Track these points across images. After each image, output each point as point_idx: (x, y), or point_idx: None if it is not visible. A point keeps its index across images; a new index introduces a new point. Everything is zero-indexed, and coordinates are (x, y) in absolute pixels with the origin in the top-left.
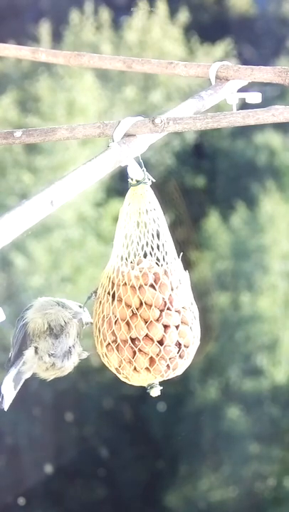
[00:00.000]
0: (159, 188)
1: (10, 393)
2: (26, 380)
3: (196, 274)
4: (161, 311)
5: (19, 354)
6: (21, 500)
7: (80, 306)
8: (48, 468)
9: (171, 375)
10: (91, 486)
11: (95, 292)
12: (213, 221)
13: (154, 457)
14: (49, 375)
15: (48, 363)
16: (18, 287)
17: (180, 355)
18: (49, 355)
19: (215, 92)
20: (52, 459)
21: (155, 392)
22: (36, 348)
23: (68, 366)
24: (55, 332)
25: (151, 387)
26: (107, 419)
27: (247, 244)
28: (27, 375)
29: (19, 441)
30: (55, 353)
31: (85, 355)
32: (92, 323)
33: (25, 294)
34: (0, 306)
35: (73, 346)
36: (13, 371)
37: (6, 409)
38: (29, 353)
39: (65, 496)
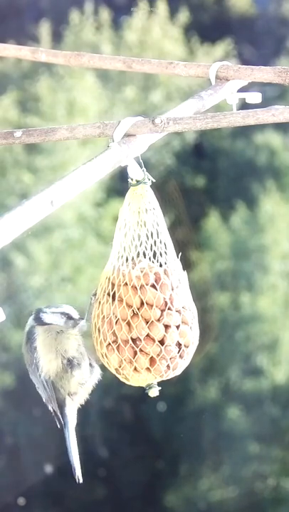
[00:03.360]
0: (159, 188)
1: (78, 461)
2: (26, 380)
3: (196, 274)
4: (162, 310)
5: (63, 414)
6: (21, 500)
7: (67, 315)
8: (48, 468)
9: (171, 375)
10: (91, 486)
11: (95, 294)
12: (213, 221)
13: (154, 457)
14: (84, 399)
15: (84, 392)
16: (18, 287)
17: (180, 355)
18: (81, 385)
19: (215, 92)
20: (52, 459)
21: (154, 392)
22: (69, 392)
23: (94, 378)
24: (75, 362)
25: (150, 388)
26: (107, 419)
27: (247, 244)
28: (75, 422)
29: (19, 441)
30: (85, 381)
31: (100, 361)
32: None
33: (25, 294)
34: (0, 306)
35: (90, 359)
36: (72, 440)
37: (81, 480)
38: (69, 406)
39: (65, 496)
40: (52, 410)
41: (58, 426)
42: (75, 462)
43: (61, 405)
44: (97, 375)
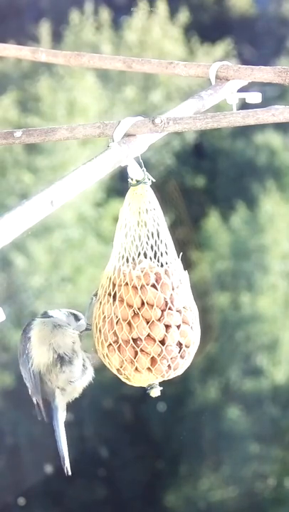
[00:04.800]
0: (159, 188)
1: (66, 449)
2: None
3: (196, 274)
4: (163, 310)
5: (52, 406)
6: (21, 500)
7: (73, 314)
8: (48, 468)
9: (172, 375)
10: (91, 486)
11: (96, 295)
12: (213, 221)
13: (154, 457)
14: (73, 398)
15: (72, 390)
16: (18, 287)
17: (181, 355)
18: (70, 382)
19: (215, 92)
20: (52, 459)
21: (155, 392)
22: (57, 386)
23: (86, 380)
24: (68, 358)
25: (151, 388)
26: (107, 419)
27: (247, 244)
28: (64, 417)
29: (19, 441)
30: (75, 379)
31: (96, 362)
32: (90, 325)
33: (25, 294)
34: (0, 306)
35: (84, 360)
36: (62, 433)
37: (70, 472)
38: (58, 399)
39: (65, 496)
40: (35, 403)
41: (39, 418)
42: (64, 454)
43: (49, 398)
44: (89, 377)
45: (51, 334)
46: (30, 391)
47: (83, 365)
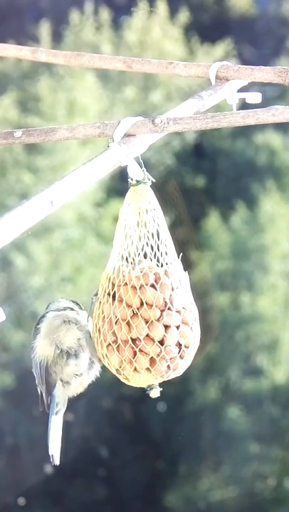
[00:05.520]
0: (159, 188)
1: (57, 444)
2: (26, 380)
3: (196, 274)
4: (162, 311)
5: (50, 396)
6: (21, 500)
7: (77, 303)
8: (48, 468)
9: (172, 375)
10: (91, 486)
11: (96, 295)
12: (213, 221)
13: (154, 457)
14: (77, 392)
15: (78, 384)
16: (18, 287)
17: (180, 356)
18: (76, 376)
19: (215, 92)
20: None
21: (155, 393)
22: (61, 378)
23: (93, 374)
24: (72, 352)
25: (151, 389)
26: (107, 419)
27: (247, 244)
28: (63, 410)
29: (19, 441)
30: (81, 372)
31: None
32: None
33: (25, 294)
34: (0, 306)
35: (91, 355)
36: (54, 422)
37: (57, 463)
38: (58, 390)
39: (65, 496)
40: (39, 392)
41: (40, 408)
42: (51, 444)
43: (51, 388)
44: (95, 372)
45: (56, 330)
46: (36, 381)
47: (90, 360)
